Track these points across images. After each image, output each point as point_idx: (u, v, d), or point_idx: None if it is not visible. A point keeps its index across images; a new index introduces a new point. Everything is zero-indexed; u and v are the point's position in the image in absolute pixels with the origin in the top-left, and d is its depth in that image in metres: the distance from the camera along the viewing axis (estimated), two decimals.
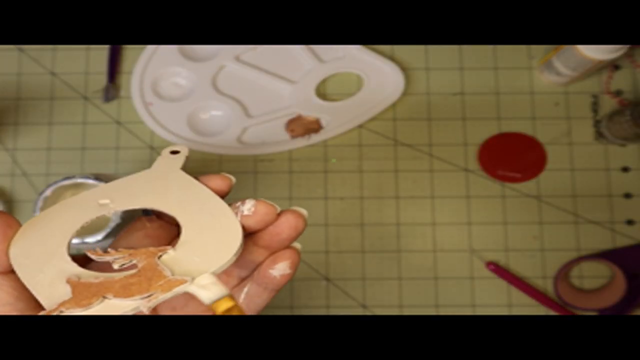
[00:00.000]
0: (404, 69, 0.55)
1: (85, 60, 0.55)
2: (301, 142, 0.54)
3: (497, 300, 0.52)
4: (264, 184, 0.54)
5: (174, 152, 0.34)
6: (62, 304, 0.26)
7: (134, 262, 0.27)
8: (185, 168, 0.57)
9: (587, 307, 0.51)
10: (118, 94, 0.55)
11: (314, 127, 0.54)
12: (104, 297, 0.26)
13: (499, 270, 0.52)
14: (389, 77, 0.54)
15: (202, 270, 0.26)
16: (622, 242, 0.52)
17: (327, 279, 0.52)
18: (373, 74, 0.55)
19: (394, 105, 0.55)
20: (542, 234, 0.53)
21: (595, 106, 0.54)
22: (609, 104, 0.54)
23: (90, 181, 0.39)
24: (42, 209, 0.39)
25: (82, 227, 0.30)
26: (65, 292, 0.27)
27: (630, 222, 0.53)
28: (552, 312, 0.51)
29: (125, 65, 0.55)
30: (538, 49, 0.56)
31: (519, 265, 0.52)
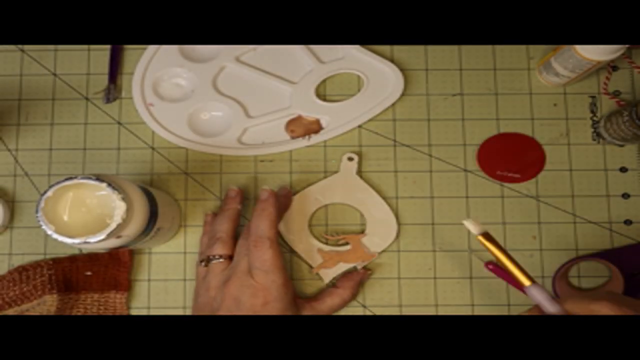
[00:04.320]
0: (404, 69, 0.55)
1: (87, 61, 0.56)
2: (301, 143, 0.54)
3: (496, 299, 0.52)
4: (264, 184, 0.54)
5: (350, 159, 0.53)
6: (318, 267, 0.51)
7: (348, 243, 0.52)
8: (187, 168, 0.57)
9: None
10: (119, 94, 0.55)
11: (314, 127, 0.54)
12: (339, 262, 0.51)
13: (498, 270, 0.52)
14: (388, 77, 0.55)
15: (382, 247, 0.52)
16: (620, 241, 0.53)
17: None
18: (373, 74, 0.55)
19: (393, 106, 0.55)
20: (541, 233, 0.53)
21: (593, 107, 0.55)
22: (607, 104, 0.55)
23: (92, 182, 0.39)
24: (44, 209, 0.39)
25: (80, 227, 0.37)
26: (318, 258, 0.51)
27: (628, 222, 0.53)
28: None
29: (126, 66, 0.56)
30: (537, 50, 0.56)
31: None
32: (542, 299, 0.38)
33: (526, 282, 0.39)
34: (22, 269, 0.51)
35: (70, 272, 0.51)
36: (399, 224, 0.53)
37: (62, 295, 0.50)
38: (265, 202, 0.47)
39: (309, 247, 0.52)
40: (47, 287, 0.50)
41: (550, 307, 0.38)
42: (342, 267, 0.51)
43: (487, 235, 0.41)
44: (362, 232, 0.52)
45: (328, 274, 0.51)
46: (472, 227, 0.42)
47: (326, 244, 0.52)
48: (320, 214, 0.53)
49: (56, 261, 0.51)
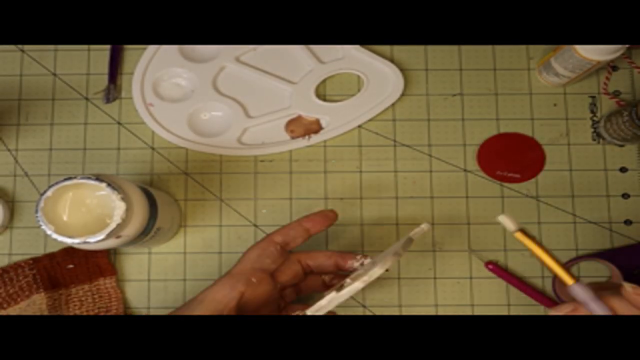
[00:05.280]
0: (404, 69, 0.55)
1: (87, 61, 0.56)
2: (301, 143, 0.54)
3: (496, 299, 0.52)
4: (264, 185, 0.54)
5: None
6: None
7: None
8: (187, 168, 0.57)
9: None
10: (119, 94, 0.55)
11: (314, 127, 0.54)
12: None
13: (498, 269, 0.52)
14: (388, 77, 0.55)
15: (383, 267, 0.40)
16: (619, 242, 0.53)
17: None
18: (372, 74, 0.55)
19: (393, 106, 0.55)
20: (541, 233, 0.53)
21: (593, 107, 0.55)
22: (607, 104, 0.55)
23: (92, 182, 0.39)
24: (44, 209, 0.39)
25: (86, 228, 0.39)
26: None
27: (628, 222, 0.53)
28: None
29: (126, 66, 0.56)
30: (536, 50, 0.56)
31: (518, 265, 0.53)
32: (587, 298, 0.37)
33: (569, 280, 0.38)
34: (1, 271, 0.51)
35: (52, 268, 0.51)
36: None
37: (50, 293, 0.50)
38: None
39: None
40: (33, 287, 0.50)
41: (597, 307, 0.37)
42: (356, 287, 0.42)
43: (524, 232, 0.39)
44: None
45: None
46: (508, 223, 0.39)
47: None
48: None
49: (36, 260, 0.51)
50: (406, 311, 0.52)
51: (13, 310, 0.50)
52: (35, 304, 0.49)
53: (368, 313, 0.52)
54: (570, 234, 0.53)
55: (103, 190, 0.39)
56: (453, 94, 0.55)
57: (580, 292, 0.37)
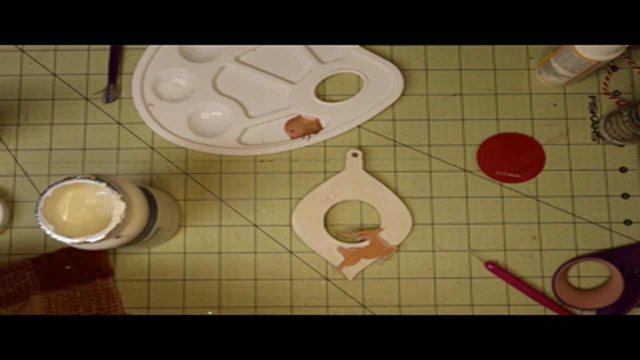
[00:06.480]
0: (403, 69, 0.55)
1: (87, 61, 0.56)
2: (301, 143, 0.54)
3: (495, 299, 0.52)
4: (264, 185, 0.54)
5: (354, 155, 0.53)
6: (341, 265, 0.52)
7: (366, 239, 0.52)
8: (186, 168, 0.57)
9: (585, 306, 0.51)
10: (119, 94, 0.55)
11: (314, 127, 0.54)
12: (360, 258, 0.52)
13: (498, 270, 0.52)
14: (388, 77, 0.55)
15: (399, 239, 0.52)
16: (619, 241, 0.53)
17: (327, 279, 0.52)
18: (372, 74, 0.55)
19: (393, 106, 0.55)
20: (541, 233, 0.53)
21: (593, 107, 0.55)
22: (606, 104, 0.55)
23: (92, 182, 0.39)
24: (43, 209, 0.39)
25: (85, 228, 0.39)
26: (339, 256, 0.52)
27: (627, 222, 0.53)
28: (550, 312, 0.52)
29: (126, 66, 0.56)
30: (536, 50, 0.56)
31: (518, 265, 0.53)
32: None
33: None
34: (0, 271, 0.50)
35: (51, 268, 0.51)
36: (412, 216, 0.53)
37: (48, 294, 0.50)
38: None
39: (328, 246, 0.52)
40: (32, 287, 0.50)
41: None
42: (364, 263, 0.51)
43: None
44: (378, 226, 0.52)
45: (351, 272, 0.52)
46: None
47: (337, 239, 0.52)
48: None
49: (34, 260, 0.51)
50: (406, 311, 0.52)
51: (12, 310, 0.50)
52: (34, 304, 0.49)
53: (368, 313, 0.52)
54: (570, 234, 0.53)
55: (103, 190, 0.39)
56: (453, 94, 0.55)
57: None
